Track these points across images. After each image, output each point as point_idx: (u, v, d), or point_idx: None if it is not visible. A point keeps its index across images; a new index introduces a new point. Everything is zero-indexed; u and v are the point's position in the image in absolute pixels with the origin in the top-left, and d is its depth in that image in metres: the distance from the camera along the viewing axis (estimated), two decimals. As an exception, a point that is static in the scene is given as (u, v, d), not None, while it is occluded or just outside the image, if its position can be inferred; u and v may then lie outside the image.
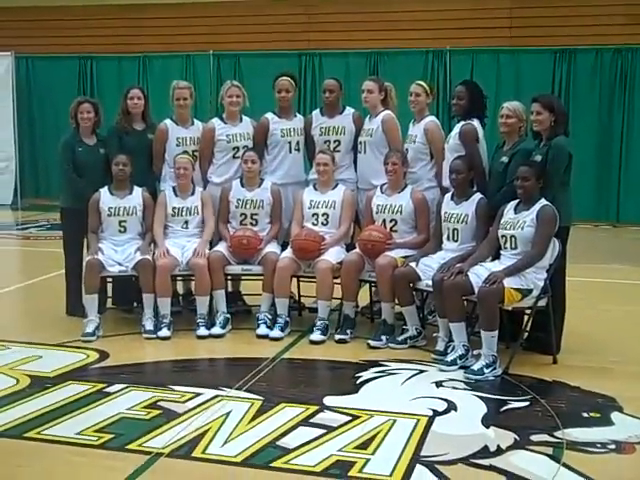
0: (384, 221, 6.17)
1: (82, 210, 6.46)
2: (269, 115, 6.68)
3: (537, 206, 5.37)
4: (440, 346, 5.62)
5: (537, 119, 5.57)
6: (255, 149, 6.51)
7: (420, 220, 6.13)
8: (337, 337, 6.04)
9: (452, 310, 5.44)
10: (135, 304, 6.68)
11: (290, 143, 6.63)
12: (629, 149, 12.26)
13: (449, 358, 5.43)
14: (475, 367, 5.25)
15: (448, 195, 5.95)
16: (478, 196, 5.81)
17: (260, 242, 6.31)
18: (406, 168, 6.18)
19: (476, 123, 6.05)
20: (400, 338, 5.91)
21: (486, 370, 5.22)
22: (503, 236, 5.47)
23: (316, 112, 6.72)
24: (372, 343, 5.90)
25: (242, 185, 6.49)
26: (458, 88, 6.25)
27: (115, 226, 6.40)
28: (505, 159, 5.73)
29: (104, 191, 6.44)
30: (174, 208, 6.43)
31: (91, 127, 6.69)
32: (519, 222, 5.38)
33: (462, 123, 6.07)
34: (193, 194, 6.47)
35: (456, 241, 5.82)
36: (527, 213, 5.37)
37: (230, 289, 6.83)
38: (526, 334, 5.69)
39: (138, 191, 6.48)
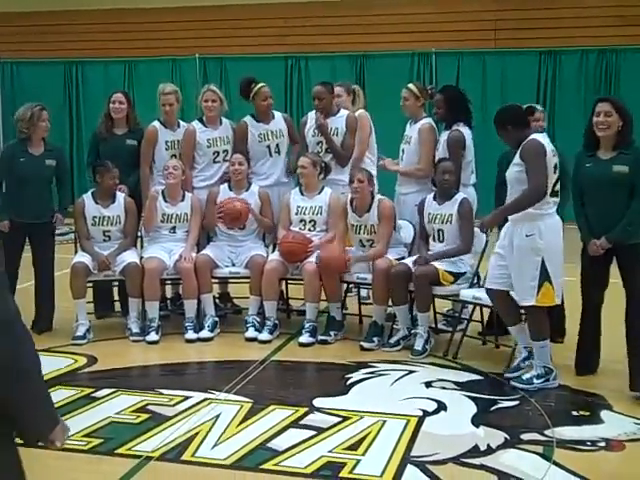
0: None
1: (22, 224, 6.12)
2: (247, 119, 6.62)
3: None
4: (418, 344, 5.67)
5: (606, 120, 4.79)
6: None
7: (381, 230, 6.04)
8: (319, 338, 6.03)
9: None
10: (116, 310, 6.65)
11: (269, 147, 6.58)
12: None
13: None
14: (524, 376, 5.10)
15: (430, 196, 5.94)
16: (461, 196, 5.83)
17: (248, 212, 6.31)
18: (372, 187, 6.08)
19: (464, 129, 6.04)
20: (393, 340, 5.91)
21: (536, 380, 5.04)
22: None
23: (311, 113, 6.62)
24: (365, 345, 5.89)
25: (230, 189, 6.46)
26: (436, 96, 6.24)
27: (99, 235, 6.35)
28: None
29: (87, 198, 6.37)
30: (163, 214, 6.38)
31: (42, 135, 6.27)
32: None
33: (449, 130, 6.06)
34: (183, 200, 6.42)
35: (442, 241, 5.83)
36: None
37: (218, 291, 6.83)
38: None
39: (120, 199, 6.37)
